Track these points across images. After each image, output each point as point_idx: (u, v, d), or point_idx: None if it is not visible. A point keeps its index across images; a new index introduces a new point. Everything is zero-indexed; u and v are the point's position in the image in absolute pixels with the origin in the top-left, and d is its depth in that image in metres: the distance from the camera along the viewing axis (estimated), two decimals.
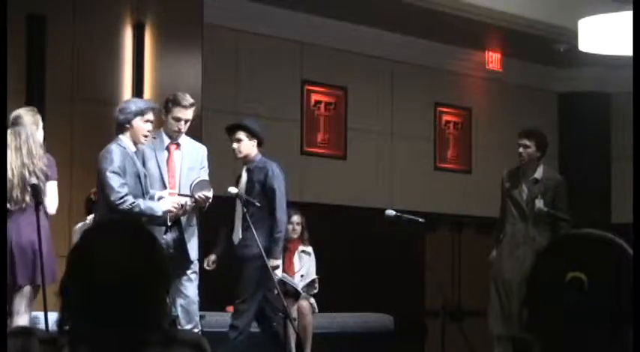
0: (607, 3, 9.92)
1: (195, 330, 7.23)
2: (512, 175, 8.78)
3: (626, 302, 2.00)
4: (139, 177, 7.07)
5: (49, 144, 7.29)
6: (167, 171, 7.46)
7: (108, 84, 9.18)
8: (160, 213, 7.03)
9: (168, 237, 7.32)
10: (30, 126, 7.09)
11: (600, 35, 9.04)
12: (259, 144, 8.05)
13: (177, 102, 7.44)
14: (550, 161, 10.47)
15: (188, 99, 7.46)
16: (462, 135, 12.90)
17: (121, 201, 6.90)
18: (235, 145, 7.99)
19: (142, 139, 7.08)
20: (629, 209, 9.07)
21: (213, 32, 10.19)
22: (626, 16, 8.42)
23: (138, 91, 9.12)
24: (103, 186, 7.00)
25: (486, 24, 11.37)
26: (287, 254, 9.07)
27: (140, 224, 5.21)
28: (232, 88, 10.75)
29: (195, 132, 8.27)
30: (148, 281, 2.26)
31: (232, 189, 7.66)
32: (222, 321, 8.34)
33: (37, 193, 6.86)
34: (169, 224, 7.27)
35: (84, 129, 8.84)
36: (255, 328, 8.05)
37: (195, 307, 7.40)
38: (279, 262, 7.94)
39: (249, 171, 8.02)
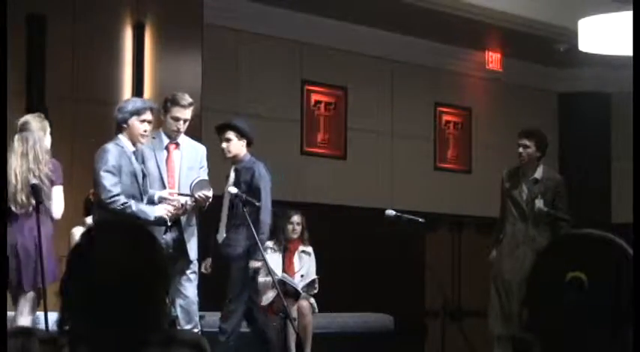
0: (607, 3, 9.92)
1: (195, 330, 7.23)
2: (512, 175, 8.78)
3: (626, 302, 2.00)
4: (136, 177, 7.08)
5: None
6: (166, 170, 7.47)
7: (108, 84, 9.18)
8: (152, 218, 7.03)
9: (168, 237, 7.32)
10: (37, 132, 7.18)
11: (600, 35, 9.04)
12: (249, 145, 8.08)
13: (175, 102, 7.45)
14: (550, 161, 10.47)
15: (187, 99, 7.47)
16: (462, 135, 12.90)
17: (112, 200, 6.92)
18: (224, 145, 8.01)
19: (140, 139, 7.10)
20: (629, 209, 9.06)
21: (213, 32, 10.19)
22: (626, 16, 8.42)
23: (138, 91, 9.12)
24: (96, 185, 7.04)
25: (486, 24, 11.37)
26: (287, 254, 9.08)
27: (140, 224, 5.22)
28: (232, 88, 10.75)
29: (195, 132, 8.27)
30: (147, 281, 2.26)
31: (232, 189, 7.66)
32: None
33: (37, 193, 6.91)
34: (169, 224, 7.27)
35: (84, 130, 8.84)
36: (244, 328, 8.07)
37: (194, 307, 7.40)
38: (260, 264, 7.90)
39: (237, 171, 8.03)
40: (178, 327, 7.14)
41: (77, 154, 8.68)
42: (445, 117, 12.78)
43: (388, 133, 12.15)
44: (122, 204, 6.92)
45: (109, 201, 6.92)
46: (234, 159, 8.05)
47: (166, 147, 7.50)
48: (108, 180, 6.95)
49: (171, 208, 7.17)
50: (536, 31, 11.63)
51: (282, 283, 8.46)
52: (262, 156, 8.30)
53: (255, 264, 7.84)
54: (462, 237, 12.83)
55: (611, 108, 13.63)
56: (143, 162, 7.26)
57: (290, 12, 10.95)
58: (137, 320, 2.24)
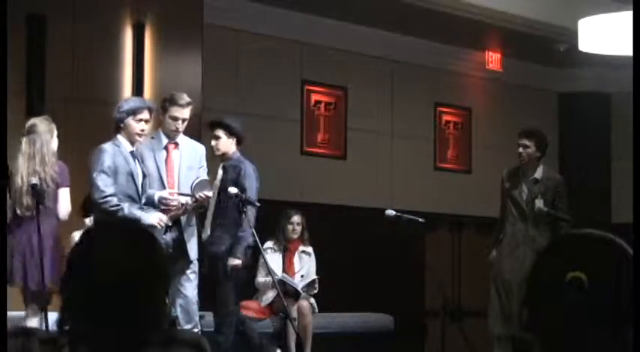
0: (607, 3, 9.92)
1: (195, 330, 7.23)
2: (512, 175, 8.78)
3: (626, 302, 2.00)
4: (133, 177, 7.08)
5: None
6: (166, 170, 7.47)
7: (108, 84, 9.18)
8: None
9: (168, 237, 7.33)
10: (44, 135, 7.23)
11: (600, 35, 9.03)
12: (238, 143, 8.09)
13: (174, 102, 7.45)
14: (550, 161, 10.47)
15: (185, 99, 7.47)
16: (462, 135, 12.90)
17: (104, 200, 6.94)
18: (214, 142, 8.04)
19: (137, 138, 7.10)
20: (629, 209, 9.05)
21: (213, 32, 10.19)
22: (626, 16, 8.41)
23: (138, 92, 9.12)
24: (90, 185, 7.06)
25: (486, 24, 11.37)
26: (287, 254, 9.08)
27: (140, 224, 5.22)
28: (232, 88, 10.74)
29: (194, 131, 8.28)
30: (147, 281, 2.26)
31: (232, 189, 7.66)
32: None
33: (37, 193, 6.93)
34: (169, 224, 7.27)
35: (84, 130, 8.83)
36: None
37: (194, 307, 7.40)
38: (239, 262, 7.90)
39: (224, 168, 8.05)
40: (178, 327, 7.14)
41: (77, 154, 8.67)
42: (445, 117, 12.78)
43: (388, 133, 12.15)
44: (113, 206, 6.93)
45: (101, 201, 6.95)
46: (223, 157, 8.08)
47: (165, 147, 7.50)
48: (102, 181, 6.97)
49: (164, 218, 7.14)
50: (536, 31, 11.63)
51: (282, 283, 8.47)
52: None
53: (233, 261, 7.83)
54: (462, 237, 12.83)
55: (611, 108, 13.63)
56: (142, 162, 7.26)
57: (290, 12, 10.94)
58: (137, 320, 2.24)
